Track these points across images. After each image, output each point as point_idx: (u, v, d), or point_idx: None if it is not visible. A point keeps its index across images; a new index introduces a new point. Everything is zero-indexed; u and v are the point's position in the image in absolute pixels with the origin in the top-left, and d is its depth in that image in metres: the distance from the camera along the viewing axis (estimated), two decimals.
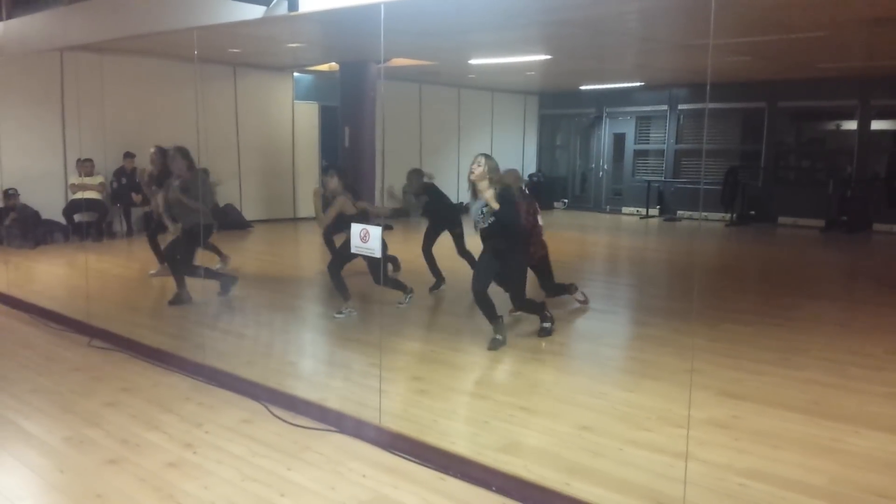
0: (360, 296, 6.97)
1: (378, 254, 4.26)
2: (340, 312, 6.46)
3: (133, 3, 6.30)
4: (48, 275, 8.84)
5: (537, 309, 5.96)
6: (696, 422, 3.92)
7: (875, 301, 7.76)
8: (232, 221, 12.51)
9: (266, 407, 4.32)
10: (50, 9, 7.11)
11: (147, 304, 7.30)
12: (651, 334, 6.13)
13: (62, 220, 10.87)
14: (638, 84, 15.53)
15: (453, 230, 7.52)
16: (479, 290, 5.53)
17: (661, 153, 16.51)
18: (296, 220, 13.98)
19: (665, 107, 16.13)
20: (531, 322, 6.10)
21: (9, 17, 7.70)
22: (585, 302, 6.94)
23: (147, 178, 8.01)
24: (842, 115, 14.15)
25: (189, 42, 6.06)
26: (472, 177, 5.42)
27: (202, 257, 7.28)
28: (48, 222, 10.76)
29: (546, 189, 17.38)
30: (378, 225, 4.37)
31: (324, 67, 13.32)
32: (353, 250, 4.36)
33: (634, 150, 16.99)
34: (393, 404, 4.29)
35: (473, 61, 11.83)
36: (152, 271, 8.23)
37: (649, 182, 16.21)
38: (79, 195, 10.80)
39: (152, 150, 7.87)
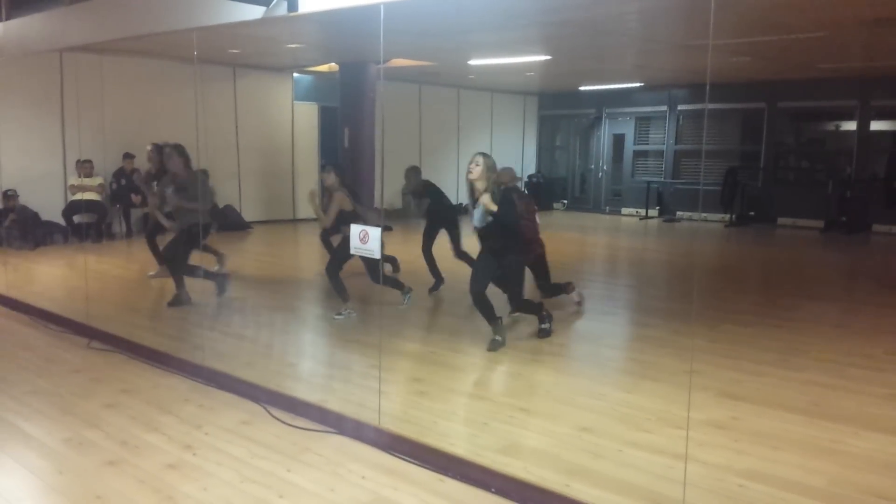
0: (360, 297, 6.97)
1: (378, 255, 4.26)
2: (340, 314, 6.46)
3: (132, 4, 6.29)
4: (47, 276, 8.84)
5: (535, 309, 5.96)
6: (695, 423, 3.92)
7: (875, 302, 7.76)
8: (231, 222, 12.51)
9: (265, 408, 4.31)
10: (49, 9, 7.10)
11: (146, 306, 7.30)
12: (650, 335, 6.13)
13: (62, 222, 10.86)
14: (637, 85, 15.54)
15: (451, 230, 7.52)
16: (478, 291, 5.53)
17: (660, 154, 16.51)
18: (295, 221, 13.97)
19: (664, 107, 16.14)
20: (530, 323, 6.10)
21: (8, 17, 7.70)
22: (580, 303, 6.90)
23: (144, 175, 8.01)
24: (841, 115, 14.16)
25: (189, 43, 6.06)
26: (471, 177, 5.42)
27: (201, 258, 7.27)
28: (47, 223, 10.75)
29: (545, 190, 17.40)
30: (377, 226, 4.36)
31: (323, 68, 13.32)
32: (352, 251, 4.36)
33: (634, 151, 16.99)
34: (392, 406, 4.29)
35: (473, 62, 11.83)
36: (152, 273, 8.23)
37: (649, 183, 16.21)
38: (78, 196, 10.79)
39: (149, 147, 7.88)
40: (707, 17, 4.35)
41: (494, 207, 5.28)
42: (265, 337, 6.17)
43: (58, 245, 10.62)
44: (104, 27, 6.67)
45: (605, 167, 17.47)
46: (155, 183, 7.64)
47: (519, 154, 17.89)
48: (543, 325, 5.90)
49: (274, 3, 4.89)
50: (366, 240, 4.21)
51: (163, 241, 7.62)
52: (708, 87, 15.55)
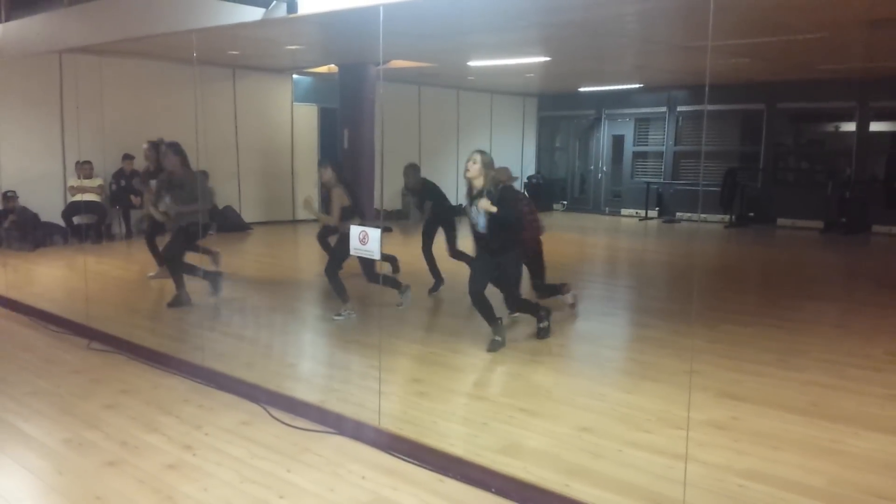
0: (359, 298, 6.96)
1: (378, 256, 4.25)
2: (339, 314, 6.46)
3: (132, 6, 6.29)
4: (47, 277, 8.84)
5: (532, 309, 5.94)
6: (695, 423, 3.92)
7: (874, 302, 7.76)
8: (231, 223, 12.52)
9: (265, 409, 4.31)
10: (49, 11, 7.10)
11: (146, 307, 7.30)
12: (650, 336, 6.13)
13: (61, 223, 10.86)
14: (637, 86, 15.54)
15: (447, 230, 7.48)
16: (477, 292, 5.52)
17: (660, 155, 16.52)
18: (295, 222, 13.97)
19: (664, 108, 16.14)
20: (530, 324, 6.09)
21: (7, 19, 7.69)
22: (574, 305, 6.78)
23: (142, 174, 8.00)
24: (841, 116, 14.17)
25: (188, 44, 6.06)
26: (469, 175, 5.41)
27: (196, 258, 7.26)
28: (47, 224, 10.75)
29: (545, 191, 17.40)
30: (376, 227, 4.36)
31: (323, 69, 13.33)
32: (351, 252, 4.35)
33: (633, 152, 17.00)
34: (392, 406, 4.29)
35: (472, 63, 11.83)
36: (151, 273, 8.23)
37: (648, 184, 16.22)
38: (78, 197, 10.79)
39: (145, 146, 7.88)
40: (706, 19, 4.35)
41: (494, 209, 5.28)
42: (265, 337, 6.17)
43: (57, 246, 10.61)
44: (103, 29, 6.66)
45: (604, 168, 17.48)
46: (152, 182, 7.63)
47: (518, 155, 17.90)
48: (542, 325, 5.88)
49: (273, 4, 4.89)
50: (365, 241, 4.21)
51: (162, 241, 7.61)
52: (707, 89, 15.54)
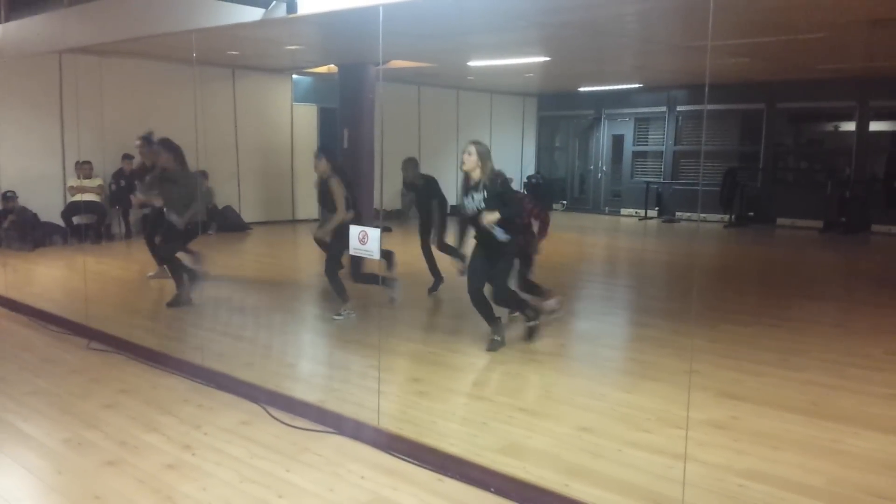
0: (359, 297, 6.96)
1: (377, 256, 4.25)
2: (339, 314, 6.45)
3: (132, 6, 6.29)
4: (47, 277, 8.84)
5: (520, 305, 5.76)
6: (695, 423, 3.92)
7: (874, 302, 7.76)
8: (231, 223, 12.52)
9: (265, 409, 4.31)
10: (48, 11, 7.10)
11: (146, 306, 7.30)
12: (650, 335, 6.13)
13: (61, 223, 10.86)
14: (637, 86, 15.54)
15: (440, 223, 7.43)
16: (476, 290, 5.51)
17: (659, 154, 16.52)
18: (294, 222, 13.98)
19: (664, 108, 16.15)
20: (561, 318, 6.05)
21: (7, 19, 7.70)
22: (555, 312, 6.35)
23: (137, 168, 7.98)
24: (840, 116, 14.17)
25: (188, 44, 6.07)
26: (465, 167, 5.33)
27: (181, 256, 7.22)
28: (47, 224, 10.75)
29: (545, 190, 17.39)
30: (376, 227, 4.35)
31: (322, 69, 13.33)
32: (351, 252, 4.34)
33: (633, 152, 17.00)
34: (391, 406, 4.28)
35: (472, 63, 11.83)
36: (151, 273, 8.22)
37: (648, 183, 16.22)
38: (77, 197, 10.80)
39: (137, 142, 7.84)
40: (706, 18, 4.35)
41: (497, 216, 5.18)
42: (264, 337, 6.16)
43: (57, 246, 10.62)
44: (103, 29, 6.67)
45: (604, 168, 17.48)
46: (147, 178, 7.61)
47: (518, 155, 17.91)
48: (530, 324, 5.72)
49: (273, 4, 4.90)
50: (365, 240, 4.21)
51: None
52: (707, 88, 15.55)
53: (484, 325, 5.66)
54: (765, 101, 14.63)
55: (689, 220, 15.45)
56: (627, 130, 17.03)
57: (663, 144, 16.35)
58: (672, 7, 7.17)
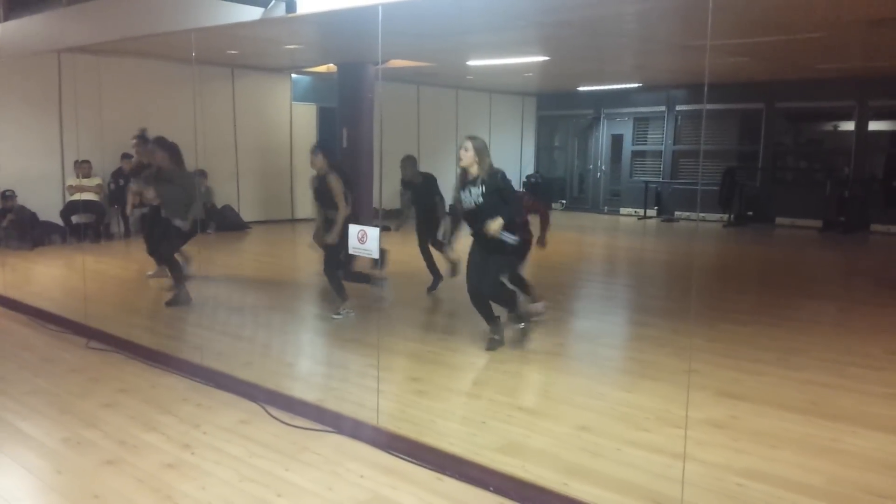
0: (358, 297, 6.96)
1: (376, 255, 4.24)
2: (338, 313, 6.45)
3: (131, 5, 6.29)
4: (46, 276, 8.83)
5: (508, 304, 5.58)
6: (694, 422, 3.92)
7: (873, 301, 7.76)
8: (230, 222, 12.52)
9: (264, 408, 4.31)
10: (47, 11, 7.10)
11: (145, 306, 7.29)
12: (649, 335, 6.13)
13: (60, 222, 10.85)
14: (636, 85, 15.54)
15: (436, 221, 7.42)
16: (475, 290, 5.50)
17: (658, 154, 16.52)
18: (293, 221, 13.97)
19: (663, 108, 16.15)
20: (546, 321, 6.05)
21: (6, 18, 7.69)
22: (540, 314, 6.22)
23: (135, 165, 7.98)
24: (840, 115, 14.17)
25: (187, 44, 6.06)
26: (463, 164, 5.28)
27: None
28: (46, 224, 10.75)
29: (544, 190, 17.39)
30: (375, 226, 4.35)
31: (322, 69, 13.32)
32: (350, 251, 4.34)
33: (632, 151, 17.00)
34: (391, 405, 4.28)
35: (471, 62, 11.83)
36: (150, 272, 8.22)
37: (647, 183, 16.22)
38: (76, 196, 10.79)
39: (133, 141, 7.83)
40: (705, 18, 4.35)
41: (500, 223, 5.12)
42: (263, 336, 6.16)
43: (56, 245, 10.62)
44: (102, 28, 6.66)
45: (603, 167, 17.48)
46: (143, 174, 7.60)
47: (517, 154, 17.91)
48: (518, 326, 5.56)
49: (272, 4, 4.89)
50: (364, 240, 4.21)
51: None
52: (706, 88, 15.53)
53: (483, 325, 5.66)
54: (764, 101, 14.63)
55: (688, 219, 15.46)
56: (626, 130, 17.03)
57: (662, 144, 16.35)
58: (671, 6, 7.17)
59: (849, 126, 14.02)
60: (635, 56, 11.32)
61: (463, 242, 5.77)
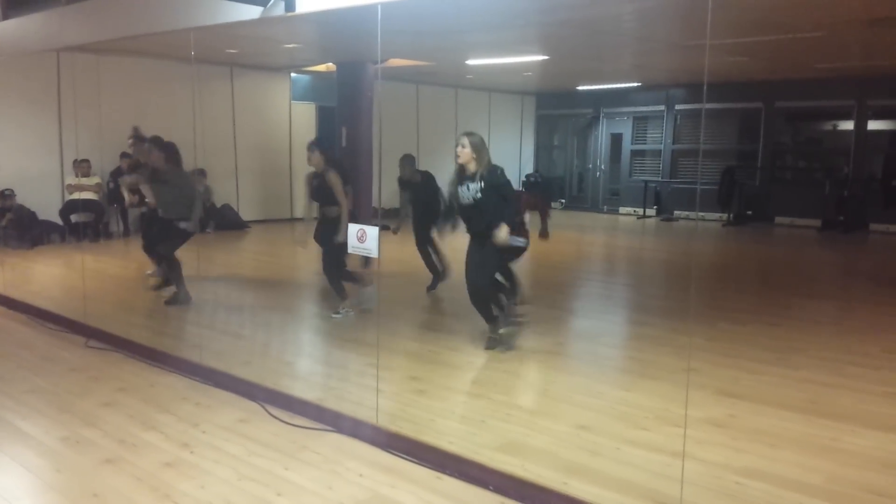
0: (354, 297, 6.95)
1: (376, 254, 4.24)
2: (338, 312, 6.44)
3: (130, 4, 6.28)
4: (45, 275, 8.83)
5: (496, 302, 5.57)
6: (693, 421, 3.93)
7: (872, 300, 7.77)
8: (229, 222, 12.52)
9: (263, 407, 4.31)
10: (46, 9, 7.09)
11: (144, 305, 7.29)
12: (648, 334, 6.14)
13: (59, 221, 10.85)
14: (635, 84, 15.55)
15: (433, 221, 7.42)
16: (474, 289, 5.49)
17: (658, 153, 16.53)
18: (293, 220, 13.96)
19: (662, 107, 16.15)
20: (529, 322, 6.07)
21: (5, 17, 7.68)
22: (522, 317, 6.09)
23: (132, 164, 7.97)
24: (839, 115, 14.18)
25: (186, 43, 6.06)
26: (460, 160, 5.26)
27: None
28: (45, 223, 10.74)
29: (543, 189, 17.37)
30: (375, 225, 4.34)
31: (321, 68, 13.31)
32: (350, 251, 4.34)
33: (631, 151, 17.01)
34: (390, 404, 4.28)
35: (471, 62, 11.83)
36: (149, 271, 8.21)
37: (646, 182, 16.23)
38: (75, 196, 10.79)
39: (129, 140, 7.82)
40: (704, 17, 4.34)
41: (507, 231, 5.11)
42: (263, 335, 6.16)
43: (55, 244, 10.61)
44: (101, 27, 6.66)
45: (602, 167, 17.49)
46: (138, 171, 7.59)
47: (517, 154, 17.90)
48: (503, 330, 5.47)
49: (271, 3, 4.89)
50: (363, 239, 4.20)
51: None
52: (705, 87, 15.52)
53: (482, 324, 5.65)
54: (763, 100, 14.63)
55: (687, 218, 15.46)
56: (626, 129, 17.03)
57: (662, 143, 16.36)
58: (670, 6, 7.17)
59: (848, 125, 14.03)
60: (634, 55, 11.32)
61: (462, 241, 5.75)
